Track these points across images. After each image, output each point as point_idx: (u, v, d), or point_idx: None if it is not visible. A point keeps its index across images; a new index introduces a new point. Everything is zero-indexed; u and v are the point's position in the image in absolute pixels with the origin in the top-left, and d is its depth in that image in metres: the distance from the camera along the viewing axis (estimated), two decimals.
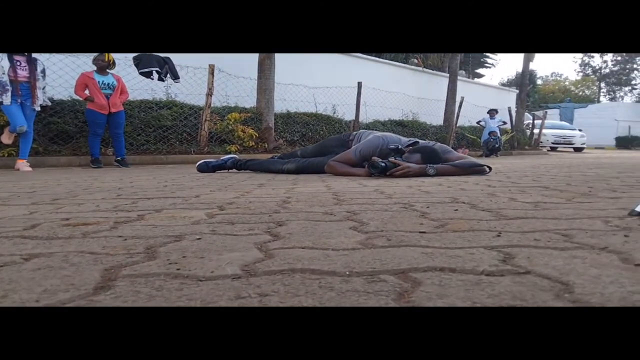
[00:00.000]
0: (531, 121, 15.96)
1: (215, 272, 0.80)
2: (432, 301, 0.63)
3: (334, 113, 10.60)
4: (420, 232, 1.16)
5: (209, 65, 7.41)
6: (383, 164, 3.20)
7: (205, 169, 4.47)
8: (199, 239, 1.10)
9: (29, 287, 0.72)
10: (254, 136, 8.27)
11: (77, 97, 6.48)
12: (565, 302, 0.63)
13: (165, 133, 7.65)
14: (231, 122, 7.87)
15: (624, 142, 27.52)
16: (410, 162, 3.31)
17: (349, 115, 10.33)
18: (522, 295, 0.66)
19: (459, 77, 14.21)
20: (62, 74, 7.42)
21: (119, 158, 6.40)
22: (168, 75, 6.96)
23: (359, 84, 9.73)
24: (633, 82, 52.49)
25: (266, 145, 8.53)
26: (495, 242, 1.03)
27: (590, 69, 54.58)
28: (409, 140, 3.64)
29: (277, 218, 1.44)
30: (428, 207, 1.66)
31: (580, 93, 52.62)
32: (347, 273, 0.78)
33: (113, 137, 6.39)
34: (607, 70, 53.19)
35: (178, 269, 0.82)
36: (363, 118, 10.50)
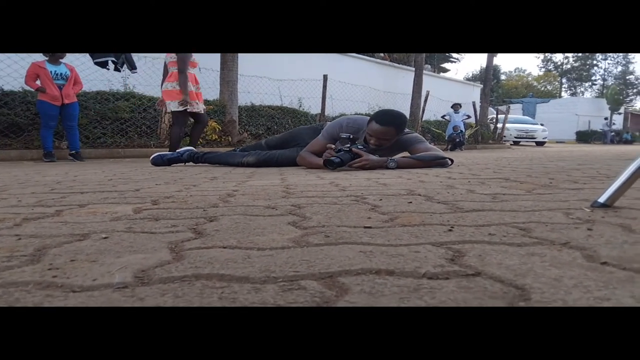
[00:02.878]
0: (495, 116, 16.18)
1: (99, 280, 0.64)
2: None
3: (300, 106, 10.45)
4: (365, 227, 1.03)
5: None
6: (338, 159, 3.07)
7: (160, 162, 4.25)
8: (105, 237, 0.94)
9: None
10: (217, 129, 8.05)
11: (28, 88, 6.11)
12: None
13: (123, 126, 7.34)
14: None
15: (584, 137, 28.37)
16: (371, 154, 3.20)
17: (315, 109, 10.19)
18: (467, 304, 0.54)
19: (424, 72, 14.27)
20: (10, 62, 7.02)
21: (73, 152, 6.09)
22: (125, 66, 6.64)
23: (325, 77, 9.60)
24: (593, 77, 54.17)
25: (230, 138, 8.31)
26: (446, 238, 0.91)
27: (552, 64, 56.00)
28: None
29: (212, 213, 1.29)
30: (381, 199, 1.54)
31: (543, 88, 54.06)
32: (263, 279, 0.64)
33: (66, 129, 6.06)
34: (569, 66, 54.73)
35: (54, 276, 0.66)
36: (329, 111, 10.37)
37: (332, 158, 3.09)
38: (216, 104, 8.30)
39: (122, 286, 0.61)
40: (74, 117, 6.04)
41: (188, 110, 5.21)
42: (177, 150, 4.48)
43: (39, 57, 6.01)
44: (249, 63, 9.28)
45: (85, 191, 1.98)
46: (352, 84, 11.89)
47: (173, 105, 5.19)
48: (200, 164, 4.31)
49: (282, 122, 9.68)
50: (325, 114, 9.92)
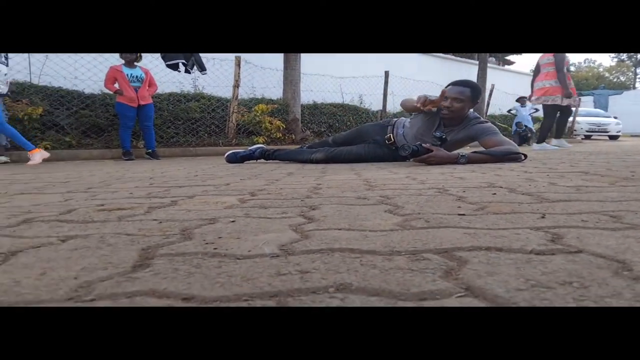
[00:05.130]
0: None
1: (253, 251, 0.78)
2: (482, 279, 0.60)
3: (361, 103, 10.52)
4: (459, 215, 1.12)
5: (235, 57, 7.44)
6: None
7: (233, 159, 4.48)
8: (232, 221, 1.09)
9: (67, 266, 0.71)
10: (281, 127, 8.27)
11: (107, 91, 6.59)
12: (626, 280, 0.59)
13: (194, 125, 7.73)
14: (258, 114, 7.89)
15: None
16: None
17: (376, 105, 10.23)
18: (578, 273, 0.62)
19: (488, 64, 13.90)
20: (90, 67, 7.55)
21: (149, 150, 6.49)
22: (194, 68, 6.99)
23: (386, 74, 9.62)
24: None
25: (293, 136, 8.53)
26: (541, 224, 0.98)
27: (625, 54, 52.61)
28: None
29: (310, 203, 1.42)
30: (464, 191, 1.61)
31: (615, 79, 50.90)
32: (388, 252, 0.75)
33: (143, 129, 6.47)
34: None
35: (215, 249, 0.80)
36: (390, 108, 10.38)
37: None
38: (280, 103, 8.54)
39: (275, 255, 0.74)
40: (150, 117, 6.45)
41: (564, 104, 6.43)
42: (249, 148, 4.69)
43: (116, 61, 6.45)
44: (311, 62, 9.46)
45: (181, 185, 2.17)
46: (414, 79, 11.80)
47: (554, 100, 6.40)
48: (270, 161, 4.50)
49: (343, 120, 9.81)
50: (387, 110, 9.94)
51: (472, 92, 3.59)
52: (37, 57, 7.58)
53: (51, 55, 7.50)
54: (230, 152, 4.61)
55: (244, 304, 0.53)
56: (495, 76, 14.28)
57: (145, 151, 6.54)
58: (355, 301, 0.53)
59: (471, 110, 3.72)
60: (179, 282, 0.61)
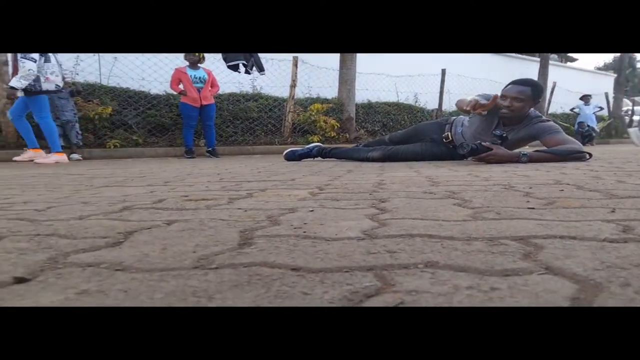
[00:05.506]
0: (630, 107, 14.73)
1: (339, 235, 0.86)
2: (560, 260, 0.65)
3: (416, 102, 10.46)
4: (529, 208, 1.16)
5: (293, 57, 7.60)
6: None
7: (292, 157, 4.61)
8: (311, 211, 1.18)
9: (181, 243, 0.82)
10: (336, 126, 8.38)
11: (171, 91, 6.92)
12: None
13: (252, 124, 7.97)
14: (313, 113, 8.04)
15: None
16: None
17: (432, 104, 10.14)
18: None
19: (550, 61, 13.41)
20: (156, 69, 7.94)
21: (210, 149, 6.76)
22: (254, 68, 7.21)
23: (443, 72, 9.52)
24: None
25: (347, 135, 8.61)
26: (611, 217, 1.01)
27: None
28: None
29: (378, 196, 1.49)
30: (530, 187, 1.63)
31: None
32: (466, 238, 0.81)
33: (204, 128, 6.75)
34: None
35: (304, 232, 0.89)
36: (446, 106, 10.26)
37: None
38: (334, 102, 8.65)
39: (361, 238, 0.82)
40: (212, 117, 6.71)
41: None
42: (307, 146, 4.81)
43: (181, 63, 6.75)
44: (366, 61, 9.50)
45: (249, 180, 2.30)
46: (471, 77, 11.58)
47: None
48: (327, 159, 4.59)
49: (397, 119, 9.80)
50: (442, 109, 9.83)
51: (533, 91, 3.53)
52: (107, 59, 8.04)
53: (119, 57, 7.95)
54: (289, 150, 4.74)
55: (346, 275, 0.61)
56: (557, 73, 13.76)
57: (206, 149, 6.82)
58: (445, 275, 0.60)
59: (532, 109, 3.66)
60: (284, 256, 0.70)
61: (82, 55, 7.36)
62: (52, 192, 1.84)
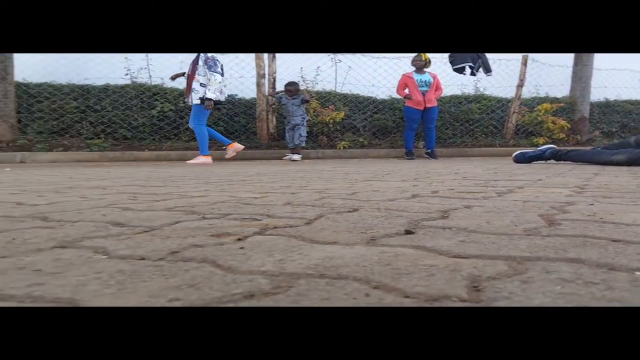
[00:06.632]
0: None
1: (636, 222, 0.98)
2: None
3: None
4: None
5: (522, 56, 7.35)
6: None
7: (521, 159, 4.54)
8: (591, 204, 1.29)
9: (498, 219, 1.04)
10: (565, 127, 7.79)
11: (396, 96, 7.35)
12: None
13: (472, 126, 7.96)
14: (541, 113, 7.62)
15: None
16: None
17: None
18: None
19: None
20: (386, 75, 8.46)
21: (429, 150, 6.99)
22: (480, 70, 7.20)
23: None
24: None
25: (579, 137, 7.93)
26: None
27: None
28: None
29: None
30: None
31: None
32: None
33: (425, 131, 7.00)
34: None
35: (601, 218, 1.03)
36: None
37: None
38: (565, 101, 8.04)
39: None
40: (433, 119, 6.93)
41: None
42: (539, 148, 4.67)
43: (407, 69, 7.11)
44: (604, 55, 8.58)
45: (493, 179, 2.44)
46: None
47: None
48: (561, 162, 4.38)
49: (639, 118, 8.60)
50: None
51: None
52: (342, 67, 8.86)
53: (353, 65, 8.68)
54: (518, 152, 4.68)
55: None
56: None
57: (425, 151, 7.06)
58: None
59: None
60: (597, 232, 0.87)
61: (323, 66, 8.27)
62: (328, 183, 2.29)
